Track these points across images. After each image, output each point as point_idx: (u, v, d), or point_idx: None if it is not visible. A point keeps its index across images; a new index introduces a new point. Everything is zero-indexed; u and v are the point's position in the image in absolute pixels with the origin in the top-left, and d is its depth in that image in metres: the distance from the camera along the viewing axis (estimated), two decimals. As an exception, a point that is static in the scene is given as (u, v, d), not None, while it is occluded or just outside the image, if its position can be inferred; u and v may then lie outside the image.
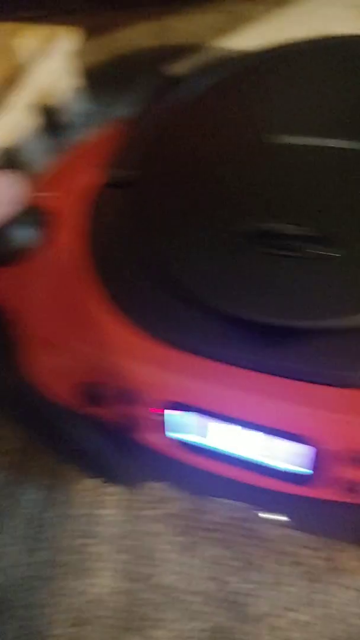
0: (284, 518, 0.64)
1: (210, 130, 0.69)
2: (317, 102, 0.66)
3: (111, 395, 0.57)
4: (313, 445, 0.51)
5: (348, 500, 0.55)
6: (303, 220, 0.55)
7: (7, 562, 0.80)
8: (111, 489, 0.81)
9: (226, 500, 0.67)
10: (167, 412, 0.54)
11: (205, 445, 0.55)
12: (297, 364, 0.50)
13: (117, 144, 0.74)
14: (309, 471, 0.53)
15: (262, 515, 0.62)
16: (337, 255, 0.53)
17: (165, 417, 0.54)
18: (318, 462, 0.52)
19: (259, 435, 0.51)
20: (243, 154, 0.65)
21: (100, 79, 1.25)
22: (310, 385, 0.49)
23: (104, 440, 0.62)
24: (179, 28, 1.24)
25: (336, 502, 0.55)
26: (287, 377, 0.49)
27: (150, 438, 0.57)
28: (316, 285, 0.52)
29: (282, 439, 0.51)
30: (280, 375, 0.49)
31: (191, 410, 0.52)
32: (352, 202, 0.57)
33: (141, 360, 0.54)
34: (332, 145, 0.62)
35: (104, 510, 0.80)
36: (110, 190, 0.68)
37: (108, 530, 0.78)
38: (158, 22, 1.24)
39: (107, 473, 0.67)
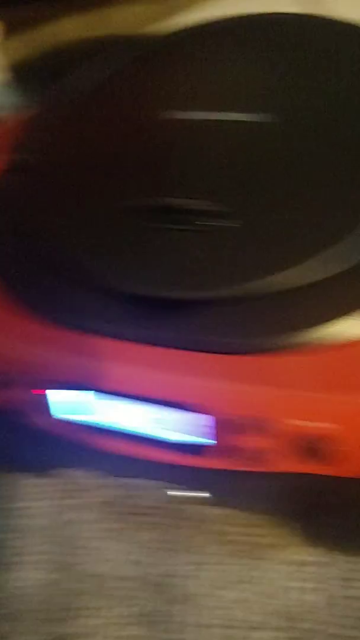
0: (204, 494, 0.62)
1: (109, 112, 0.68)
2: (219, 78, 0.65)
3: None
4: (211, 414, 0.50)
5: (256, 469, 0.54)
6: (198, 194, 0.54)
7: None
8: (32, 480, 0.78)
9: (152, 484, 0.65)
10: (49, 391, 0.52)
11: (97, 423, 0.53)
12: (192, 335, 0.48)
13: (22, 132, 0.71)
14: (212, 441, 0.52)
15: (171, 492, 0.60)
16: (229, 226, 0.51)
17: (49, 398, 0.52)
18: (219, 432, 0.51)
19: (151, 409, 0.49)
20: (140, 132, 0.63)
21: (27, 73, 1.20)
22: (204, 354, 0.48)
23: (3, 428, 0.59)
24: (113, 19, 1.22)
25: (246, 472, 0.54)
26: (180, 348, 0.48)
27: (39, 420, 0.54)
28: (205, 256, 0.51)
29: (178, 410, 0.50)
30: (172, 347, 0.49)
31: (74, 388, 0.50)
32: (246, 174, 0.56)
33: (17, 337, 0.52)
34: (228, 119, 0.60)
35: (23, 502, 0.77)
36: (11, 175, 0.65)
37: (30, 522, 0.76)
38: (91, 13, 1.21)
39: (15, 461, 0.65)
